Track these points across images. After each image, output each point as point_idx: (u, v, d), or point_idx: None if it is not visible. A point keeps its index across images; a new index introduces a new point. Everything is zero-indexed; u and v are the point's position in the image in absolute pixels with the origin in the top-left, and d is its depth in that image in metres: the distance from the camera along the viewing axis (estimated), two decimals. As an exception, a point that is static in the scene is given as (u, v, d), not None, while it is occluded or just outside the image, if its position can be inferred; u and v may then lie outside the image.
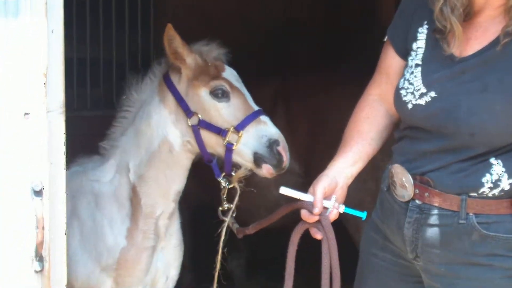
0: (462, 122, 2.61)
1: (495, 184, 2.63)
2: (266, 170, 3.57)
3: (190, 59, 3.72)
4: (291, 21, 8.26)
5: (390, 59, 2.95)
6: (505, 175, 2.62)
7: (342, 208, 2.84)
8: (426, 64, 2.76)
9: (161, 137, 3.73)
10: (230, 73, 3.78)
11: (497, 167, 2.62)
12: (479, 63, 2.63)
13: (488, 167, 2.62)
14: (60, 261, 2.56)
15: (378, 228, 2.98)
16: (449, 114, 2.64)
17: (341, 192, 2.87)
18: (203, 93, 3.68)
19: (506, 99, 2.57)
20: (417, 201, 2.76)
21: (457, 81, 2.67)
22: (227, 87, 3.68)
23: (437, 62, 2.73)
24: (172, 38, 3.66)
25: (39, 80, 2.43)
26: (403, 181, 2.78)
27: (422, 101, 2.71)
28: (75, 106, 7.68)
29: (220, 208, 3.65)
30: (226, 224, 3.61)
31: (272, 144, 3.55)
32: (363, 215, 2.90)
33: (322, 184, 2.81)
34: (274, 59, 7.58)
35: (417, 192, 2.74)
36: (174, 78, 3.76)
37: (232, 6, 7.77)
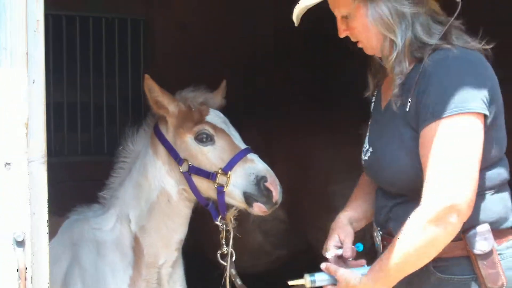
0: (380, 175, 2.75)
1: None
2: (258, 209, 3.55)
3: (172, 107, 3.73)
4: (281, 55, 8.33)
5: None
6: None
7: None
8: (371, 121, 2.92)
9: (158, 189, 3.75)
10: (214, 116, 3.78)
11: None
12: (388, 117, 2.77)
13: None
14: (44, 312, 2.53)
15: None
16: (373, 168, 2.80)
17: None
18: (189, 139, 3.69)
19: (406, 153, 2.64)
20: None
21: (379, 135, 2.79)
22: (211, 131, 3.68)
23: (375, 118, 2.87)
24: (151, 88, 3.69)
25: (20, 130, 2.42)
26: (375, 236, 2.88)
27: (366, 157, 2.85)
28: (66, 151, 7.69)
29: (219, 252, 3.64)
30: (227, 274, 3.61)
31: (259, 181, 3.52)
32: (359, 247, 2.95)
33: (350, 237, 2.94)
34: (261, 97, 7.62)
35: (386, 243, 2.77)
36: (162, 128, 3.78)
37: (220, 50, 7.84)
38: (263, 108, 7.24)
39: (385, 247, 2.74)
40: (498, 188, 2.68)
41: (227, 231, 3.64)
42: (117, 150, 3.96)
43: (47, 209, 2.53)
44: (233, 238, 3.65)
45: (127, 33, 7.89)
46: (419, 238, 2.50)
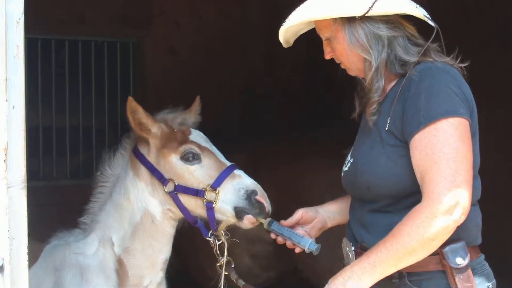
0: (357, 180, 2.81)
1: None
2: (248, 221, 3.53)
3: (155, 128, 3.73)
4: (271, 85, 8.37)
5: None
6: None
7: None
8: (356, 138, 3.00)
9: (142, 210, 3.74)
10: (197, 135, 3.80)
11: None
12: (369, 129, 2.85)
13: None
14: None
15: None
16: (351, 175, 2.87)
17: (318, 224, 3.21)
18: (174, 159, 3.69)
19: (387, 159, 2.72)
20: None
21: (360, 146, 2.89)
22: (197, 149, 3.69)
23: (359, 135, 2.96)
24: (135, 110, 3.69)
25: (-1, 155, 2.42)
26: (347, 252, 2.91)
27: (346, 168, 2.93)
28: (55, 175, 7.68)
29: (218, 264, 3.60)
30: (222, 276, 3.57)
31: (250, 195, 3.54)
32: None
33: (304, 209, 3.20)
34: (251, 126, 7.63)
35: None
36: (143, 150, 3.78)
37: (210, 74, 7.87)
38: (253, 130, 7.26)
39: None
40: (472, 206, 2.72)
41: (221, 243, 3.60)
42: (95, 175, 3.94)
43: (26, 234, 2.51)
44: (227, 249, 3.61)
45: (116, 56, 7.90)
46: (420, 233, 2.55)
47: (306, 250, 3.14)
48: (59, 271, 3.85)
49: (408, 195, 2.68)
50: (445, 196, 2.53)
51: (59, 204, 6.83)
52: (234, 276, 3.56)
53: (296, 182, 5.24)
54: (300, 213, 3.20)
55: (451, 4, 6.67)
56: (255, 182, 3.60)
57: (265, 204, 3.53)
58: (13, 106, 2.46)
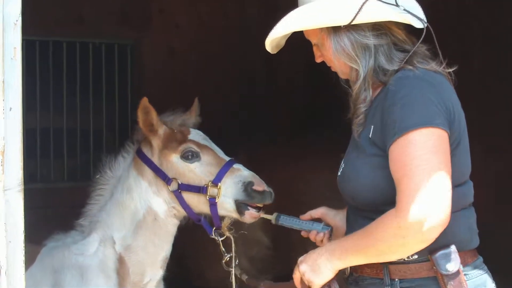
0: (345, 188, 2.81)
1: None
2: (249, 216, 3.62)
3: (161, 130, 3.82)
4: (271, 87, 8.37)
5: None
6: None
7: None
8: (350, 142, 2.95)
9: (145, 208, 3.81)
10: (195, 134, 3.89)
11: None
12: (355, 136, 2.85)
13: None
14: None
15: None
16: (342, 182, 2.86)
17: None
18: (175, 159, 3.78)
19: (370, 169, 2.70)
20: (354, 274, 2.86)
21: (350, 152, 2.86)
22: (195, 148, 3.78)
23: (352, 139, 2.91)
24: (148, 111, 3.76)
25: (-4, 158, 2.41)
26: None
27: (339, 173, 2.91)
28: (52, 177, 7.66)
29: (223, 261, 3.66)
30: (233, 274, 3.62)
31: (247, 186, 3.62)
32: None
33: (326, 209, 3.19)
34: (250, 126, 7.62)
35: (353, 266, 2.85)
36: (147, 151, 3.86)
37: (209, 75, 7.86)
38: (253, 130, 7.25)
39: (352, 268, 2.81)
40: (462, 210, 2.73)
41: (228, 240, 3.67)
42: (94, 178, 3.98)
43: (23, 237, 2.50)
44: (234, 243, 3.68)
45: (114, 58, 7.89)
46: (390, 239, 2.58)
47: (320, 231, 3.15)
48: (58, 272, 3.87)
49: (391, 204, 2.62)
50: (412, 210, 2.51)
51: (56, 206, 6.81)
52: (238, 271, 3.61)
53: (296, 185, 5.24)
54: (320, 211, 3.20)
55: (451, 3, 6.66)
56: (253, 173, 3.68)
57: (262, 190, 3.60)
58: (10, 108, 2.46)
